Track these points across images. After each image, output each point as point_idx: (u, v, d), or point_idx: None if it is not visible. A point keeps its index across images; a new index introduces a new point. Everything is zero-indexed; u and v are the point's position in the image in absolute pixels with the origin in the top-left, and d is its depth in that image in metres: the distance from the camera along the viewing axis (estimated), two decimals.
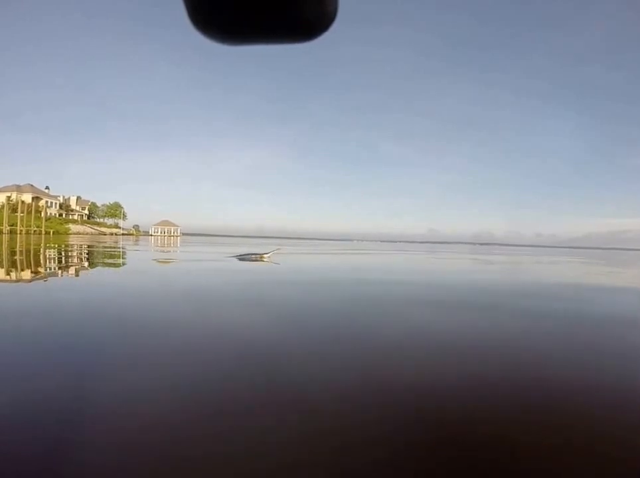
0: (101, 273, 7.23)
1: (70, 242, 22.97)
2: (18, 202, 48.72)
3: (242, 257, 11.77)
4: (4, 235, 36.96)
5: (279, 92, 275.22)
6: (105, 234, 56.12)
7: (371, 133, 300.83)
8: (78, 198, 67.11)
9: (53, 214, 58.27)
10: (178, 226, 77.55)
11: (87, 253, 13.31)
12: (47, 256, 11.13)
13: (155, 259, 11.24)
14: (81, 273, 7.07)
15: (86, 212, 67.85)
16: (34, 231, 45.92)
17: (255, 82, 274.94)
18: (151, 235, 69.64)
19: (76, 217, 63.81)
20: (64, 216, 61.00)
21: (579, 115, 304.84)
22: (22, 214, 46.80)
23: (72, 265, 8.47)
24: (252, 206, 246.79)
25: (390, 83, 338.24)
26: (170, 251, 16.46)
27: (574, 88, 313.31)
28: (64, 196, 64.25)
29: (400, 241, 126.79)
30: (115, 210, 70.53)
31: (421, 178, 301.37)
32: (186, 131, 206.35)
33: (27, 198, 53.94)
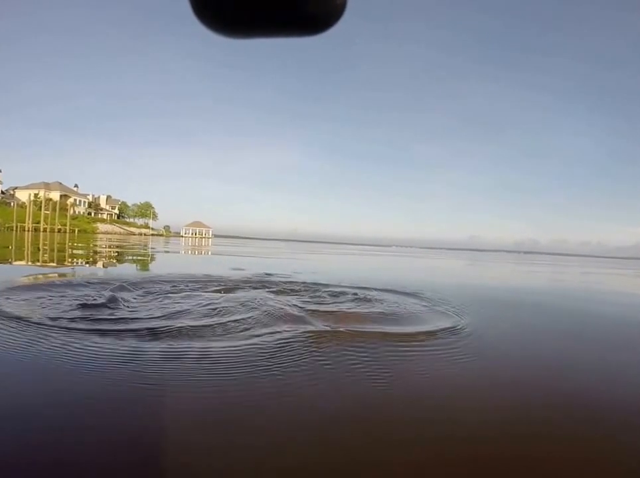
0: None
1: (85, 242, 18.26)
2: (43, 200, 45.82)
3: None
4: (26, 232, 33.71)
5: (306, 91, 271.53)
6: (134, 234, 52.44)
7: (401, 134, 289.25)
8: (108, 197, 64.52)
9: (81, 213, 55.39)
10: (209, 228, 73.67)
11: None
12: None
13: None
14: None
15: (116, 211, 65.19)
16: (59, 229, 42.51)
17: (281, 81, 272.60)
18: (182, 236, 65.89)
19: (105, 216, 60.98)
20: (92, 214, 58.17)
21: (623, 121, 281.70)
22: (47, 212, 43.85)
23: None
24: (283, 207, 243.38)
25: (416, 82, 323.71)
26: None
27: (610, 92, 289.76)
28: (93, 195, 61.79)
29: (441, 248, 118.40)
30: (145, 210, 67.45)
31: (457, 182, 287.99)
32: (213, 130, 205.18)
33: (55, 195, 51.22)
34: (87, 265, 6.91)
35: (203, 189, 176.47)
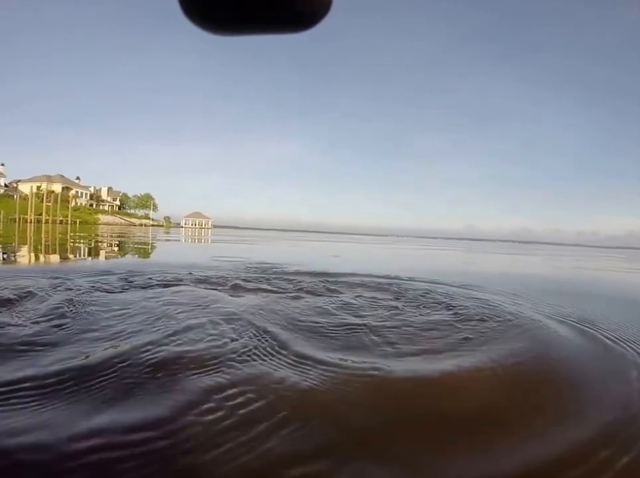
0: None
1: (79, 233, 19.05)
2: (45, 192, 46.82)
3: None
4: (29, 224, 34.71)
5: (304, 84, 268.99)
6: (135, 225, 53.45)
7: (399, 126, 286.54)
8: (109, 188, 65.43)
9: (83, 204, 56.41)
10: (209, 218, 74.57)
11: None
12: None
13: None
14: None
15: (117, 202, 66.20)
16: (61, 221, 43.53)
17: (280, 75, 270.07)
18: (182, 227, 66.88)
19: (106, 207, 62.00)
20: (94, 206, 59.20)
21: (618, 116, 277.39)
22: (49, 204, 44.83)
23: None
24: (282, 199, 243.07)
25: (413, 76, 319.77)
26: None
27: (604, 87, 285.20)
28: (94, 187, 62.69)
29: (438, 238, 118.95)
30: (146, 201, 68.41)
31: (453, 173, 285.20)
32: (212, 124, 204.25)
33: (57, 188, 52.19)
34: (50, 253, 5.88)
35: (203, 181, 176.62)
